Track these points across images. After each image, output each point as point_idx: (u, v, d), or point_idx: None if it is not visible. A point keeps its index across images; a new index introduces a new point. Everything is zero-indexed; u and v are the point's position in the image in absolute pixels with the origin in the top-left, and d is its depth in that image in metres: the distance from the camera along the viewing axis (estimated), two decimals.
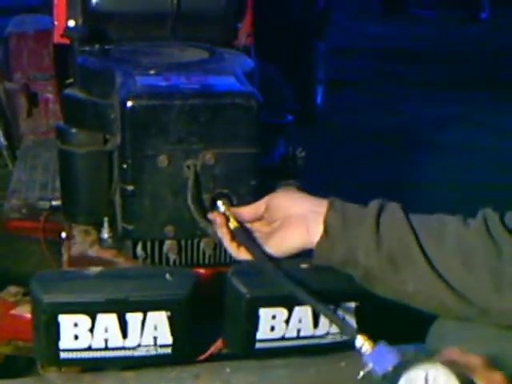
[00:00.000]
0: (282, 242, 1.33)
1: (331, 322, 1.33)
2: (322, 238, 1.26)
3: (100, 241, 1.73)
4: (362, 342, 1.12)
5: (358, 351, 1.12)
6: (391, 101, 5.31)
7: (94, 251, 1.70)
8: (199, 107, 1.50)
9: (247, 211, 1.42)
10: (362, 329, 1.46)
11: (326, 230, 1.25)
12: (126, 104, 1.48)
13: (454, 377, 0.98)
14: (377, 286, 1.26)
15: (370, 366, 1.08)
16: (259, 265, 1.32)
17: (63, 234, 1.85)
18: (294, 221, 1.31)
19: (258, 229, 1.40)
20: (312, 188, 1.73)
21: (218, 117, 1.51)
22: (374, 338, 1.14)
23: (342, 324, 1.26)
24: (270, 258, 1.32)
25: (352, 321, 1.44)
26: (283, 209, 1.34)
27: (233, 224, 1.38)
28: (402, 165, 3.97)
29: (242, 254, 1.35)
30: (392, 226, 1.22)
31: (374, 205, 1.26)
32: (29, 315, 1.51)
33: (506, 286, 1.13)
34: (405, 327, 1.55)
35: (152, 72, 1.62)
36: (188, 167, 1.52)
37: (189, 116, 1.49)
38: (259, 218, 1.40)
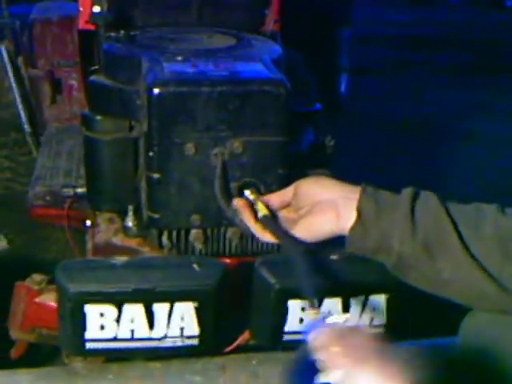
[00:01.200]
0: (311, 228, 1.28)
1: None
2: (355, 223, 1.22)
3: (125, 229, 1.71)
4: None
5: None
6: (416, 88, 5.24)
7: (118, 240, 1.69)
8: (227, 94, 1.47)
9: (274, 198, 1.39)
10: (392, 321, 1.45)
11: (359, 216, 1.20)
12: (152, 91, 1.46)
13: None
14: (410, 274, 1.22)
15: None
16: (286, 251, 1.27)
17: (88, 222, 1.84)
18: (324, 207, 1.26)
19: (284, 215, 1.36)
20: (339, 176, 1.70)
21: (246, 104, 1.48)
22: (403, 330, 1.11)
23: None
24: (299, 244, 1.28)
25: (382, 313, 1.42)
26: (312, 195, 1.29)
27: (261, 211, 1.34)
28: (427, 153, 3.91)
29: (268, 237, 1.31)
30: (427, 212, 1.18)
31: (407, 192, 1.21)
32: (53, 303, 1.51)
33: None
34: (437, 320, 1.52)
35: (179, 58, 1.59)
36: (215, 155, 1.50)
37: (216, 103, 1.47)
38: (286, 205, 1.37)
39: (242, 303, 1.43)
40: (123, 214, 1.73)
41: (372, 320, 1.43)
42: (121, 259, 1.35)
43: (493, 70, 5.90)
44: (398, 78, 5.53)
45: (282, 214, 1.36)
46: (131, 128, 1.65)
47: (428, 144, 4.08)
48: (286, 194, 1.35)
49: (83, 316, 1.29)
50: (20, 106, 2.69)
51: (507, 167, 3.75)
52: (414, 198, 1.20)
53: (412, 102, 4.93)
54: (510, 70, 5.87)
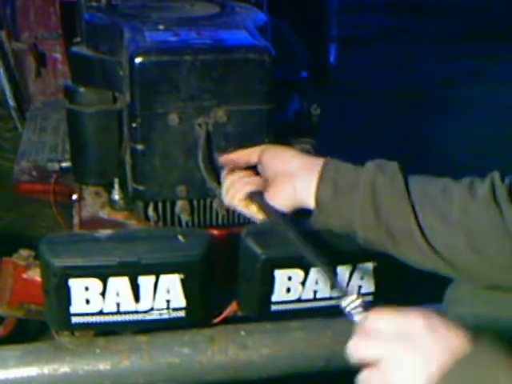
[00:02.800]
0: (273, 201, 1.28)
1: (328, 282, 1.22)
2: (315, 212, 1.21)
3: (111, 203, 1.69)
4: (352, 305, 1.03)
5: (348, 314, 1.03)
6: (406, 58, 5.20)
7: (105, 213, 1.67)
8: (210, 63, 1.44)
9: (238, 156, 1.38)
10: (381, 289, 1.44)
11: (317, 204, 1.20)
12: (134, 60, 1.43)
13: None
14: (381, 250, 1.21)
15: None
16: (272, 220, 1.27)
17: (74, 196, 1.82)
18: (282, 180, 1.26)
19: (256, 183, 1.35)
20: (325, 146, 1.69)
21: (230, 72, 1.45)
22: (392, 298, 1.09)
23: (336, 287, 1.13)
24: (285, 218, 1.28)
25: (370, 281, 1.41)
26: (273, 166, 1.30)
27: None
28: (417, 122, 3.89)
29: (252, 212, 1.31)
30: (389, 197, 1.14)
31: (368, 171, 1.17)
32: (40, 279, 1.49)
33: None
34: (425, 288, 1.51)
35: (161, 27, 1.56)
36: (199, 125, 1.47)
37: (200, 72, 1.44)
38: (251, 166, 1.37)
39: (228, 274, 1.42)
40: (109, 188, 1.71)
41: (360, 288, 1.42)
42: (105, 232, 1.33)
43: (484, 37, 5.85)
44: (386, 46, 5.49)
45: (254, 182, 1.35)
46: (115, 100, 1.63)
47: (418, 113, 4.06)
48: (251, 155, 1.36)
49: (68, 290, 1.28)
50: (4, 81, 2.65)
51: (501, 133, 3.73)
52: (376, 174, 1.16)
53: (401, 71, 4.90)
54: (502, 37, 5.81)
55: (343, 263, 1.37)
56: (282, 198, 1.26)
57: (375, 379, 0.86)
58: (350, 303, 1.01)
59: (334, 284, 1.13)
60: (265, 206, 1.29)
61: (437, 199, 1.13)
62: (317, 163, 1.22)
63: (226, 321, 1.44)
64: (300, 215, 1.27)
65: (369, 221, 1.15)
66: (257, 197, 1.29)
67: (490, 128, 3.87)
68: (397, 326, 0.87)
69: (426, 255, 1.12)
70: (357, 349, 0.89)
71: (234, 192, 1.33)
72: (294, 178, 1.24)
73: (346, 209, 1.17)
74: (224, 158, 1.43)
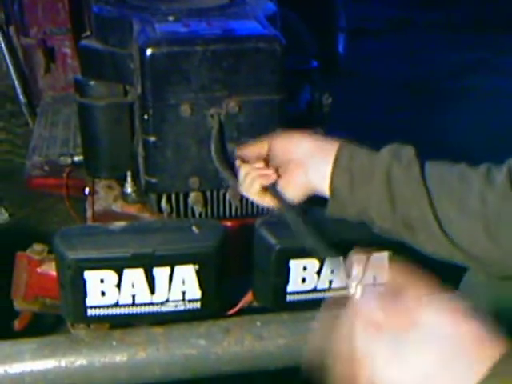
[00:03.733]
0: (286, 190, 1.25)
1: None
2: (330, 202, 1.18)
3: (124, 196, 1.69)
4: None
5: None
6: (413, 49, 5.17)
7: (118, 206, 1.67)
8: (221, 53, 1.44)
9: (250, 150, 1.37)
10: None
11: (333, 195, 1.17)
12: (145, 52, 1.43)
13: None
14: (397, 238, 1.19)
15: None
16: (285, 215, 1.25)
17: (86, 190, 1.82)
18: (293, 167, 1.23)
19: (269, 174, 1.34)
20: (336, 136, 1.67)
21: (241, 62, 1.45)
22: None
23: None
24: (299, 212, 1.26)
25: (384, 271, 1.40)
26: (284, 154, 1.26)
27: None
28: (425, 112, 3.87)
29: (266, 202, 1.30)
30: (406, 185, 1.11)
31: (384, 157, 1.14)
32: (55, 273, 1.49)
33: None
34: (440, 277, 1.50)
35: (171, 18, 1.55)
36: (211, 116, 1.47)
37: (211, 62, 1.43)
38: (262, 158, 1.33)
39: (243, 265, 1.41)
40: (122, 181, 1.71)
41: (375, 278, 1.41)
42: (119, 224, 1.33)
43: (493, 27, 5.81)
44: (394, 37, 5.46)
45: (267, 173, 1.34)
46: (125, 93, 1.62)
47: (427, 102, 4.04)
48: (262, 147, 1.32)
49: (83, 283, 1.28)
50: (14, 77, 2.65)
51: (506, 122, 3.71)
52: (391, 163, 1.13)
53: (410, 62, 4.87)
54: (509, 28, 5.78)
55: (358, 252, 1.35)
56: (295, 187, 1.23)
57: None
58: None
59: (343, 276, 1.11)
60: (278, 199, 1.28)
61: (454, 187, 1.10)
62: (327, 148, 1.20)
63: (241, 312, 1.44)
64: (314, 202, 1.26)
65: (385, 211, 1.13)
66: (271, 189, 1.28)
67: (498, 116, 3.86)
68: (405, 315, 0.82)
69: (443, 244, 1.11)
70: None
71: (249, 184, 1.31)
72: (305, 165, 1.21)
73: (361, 199, 1.15)
74: (235, 153, 1.41)
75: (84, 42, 1.69)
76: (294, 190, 1.24)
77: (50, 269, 1.60)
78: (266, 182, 1.28)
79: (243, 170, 1.34)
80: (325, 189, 1.19)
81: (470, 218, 1.07)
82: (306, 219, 1.22)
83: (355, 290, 0.94)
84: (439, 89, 4.33)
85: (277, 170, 1.31)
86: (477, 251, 1.08)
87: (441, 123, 3.75)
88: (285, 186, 1.26)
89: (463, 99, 4.15)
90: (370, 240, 1.31)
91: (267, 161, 1.36)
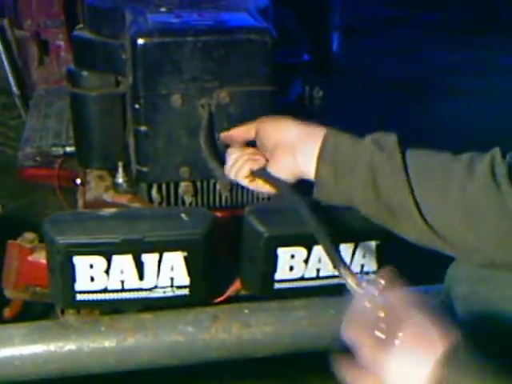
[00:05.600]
0: (275, 173, 1.27)
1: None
2: (316, 191, 1.22)
3: (115, 186, 1.70)
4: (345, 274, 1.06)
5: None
6: (408, 47, 5.19)
7: (109, 196, 1.68)
8: (212, 44, 1.45)
9: (237, 133, 1.39)
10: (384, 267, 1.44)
11: (318, 184, 1.20)
12: (136, 42, 1.44)
13: None
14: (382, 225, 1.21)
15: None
16: (280, 191, 1.27)
17: (78, 181, 1.83)
18: (280, 151, 1.26)
19: (257, 158, 1.35)
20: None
21: (232, 53, 1.46)
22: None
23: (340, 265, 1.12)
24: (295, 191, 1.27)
25: (373, 260, 1.42)
26: (270, 138, 1.29)
27: None
28: (418, 111, 3.89)
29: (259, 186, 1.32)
30: (388, 173, 1.14)
31: (367, 143, 1.17)
32: (45, 261, 1.50)
33: (510, 247, 1.07)
34: (427, 267, 1.52)
35: (163, 9, 1.57)
36: (202, 106, 1.48)
37: (202, 53, 1.45)
38: (251, 143, 1.37)
39: (232, 255, 1.43)
40: (113, 171, 1.72)
41: (363, 267, 1.43)
42: (109, 211, 1.35)
43: (486, 28, 5.83)
44: (389, 36, 5.48)
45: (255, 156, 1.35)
46: (118, 83, 1.63)
47: (421, 100, 4.06)
48: (249, 130, 1.35)
49: (72, 268, 1.29)
50: (7, 69, 2.66)
51: (498, 122, 3.72)
52: (374, 152, 1.15)
53: (402, 61, 4.89)
54: (504, 28, 5.80)
55: (346, 241, 1.37)
56: (284, 170, 1.25)
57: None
58: (351, 278, 1.02)
59: (336, 259, 1.13)
60: (270, 179, 1.28)
61: (435, 176, 1.13)
62: (314, 133, 1.22)
63: (229, 300, 1.45)
64: (302, 186, 1.27)
65: (369, 199, 1.16)
66: (260, 172, 1.30)
67: (490, 112, 3.88)
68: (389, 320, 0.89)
69: (424, 232, 1.13)
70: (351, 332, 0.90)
71: (238, 169, 1.33)
72: (293, 149, 1.23)
73: (346, 189, 1.18)
74: (222, 136, 1.44)
75: (77, 32, 1.70)
76: (282, 173, 1.26)
77: (41, 257, 1.61)
78: (256, 166, 1.30)
79: (233, 155, 1.36)
80: (311, 174, 1.21)
81: (450, 206, 1.09)
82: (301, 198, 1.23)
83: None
84: (433, 87, 4.35)
85: (264, 154, 1.32)
86: (456, 239, 1.10)
87: (434, 121, 3.77)
88: (273, 168, 1.27)
89: (457, 98, 4.17)
90: (358, 228, 1.35)
91: (254, 145, 1.38)
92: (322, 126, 1.23)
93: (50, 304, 1.64)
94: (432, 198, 1.12)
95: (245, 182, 1.33)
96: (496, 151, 1.12)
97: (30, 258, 1.61)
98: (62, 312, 1.60)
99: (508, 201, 1.06)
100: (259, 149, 1.33)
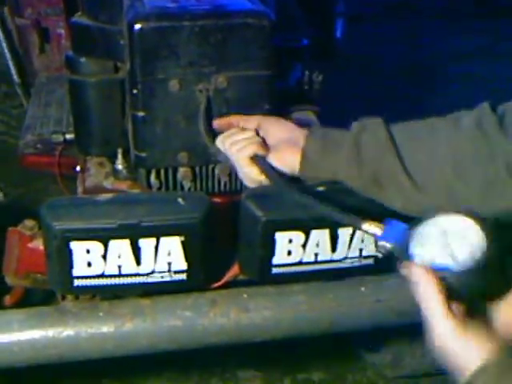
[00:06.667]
0: (276, 164, 1.31)
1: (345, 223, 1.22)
2: (301, 164, 1.25)
3: (115, 172, 1.70)
4: (369, 227, 1.09)
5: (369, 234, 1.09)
6: (412, 34, 5.17)
7: (109, 183, 1.68)
8: (210, 28, 1.44)
9: (235, 120, 1.42)
10: None
11: (304, 157, 1.25)
12: (133, 26, 1.43)
13: (471, 220, 0.95)
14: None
15: (383, 242, 1.05)
16: (278, 188, 1.28)
17: (78, 168, 1.83)
18: (285, 146, 1.30)
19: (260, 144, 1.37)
20: (329, 118, 1.69)
21: (230, 38, 1.45)
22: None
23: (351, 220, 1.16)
24: (289, 181, 1.29)
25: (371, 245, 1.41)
26: (275, 133, 1.34)
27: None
28: (420, 97, 3.88)
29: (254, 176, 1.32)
30: (373, 146, 1.19)
31: (354, 126, 1.23)
32: None
33: (496, 194, 1.09)
34: None
35: None
36: (200, 91, 1.48)
37: (199, 37, 1.44)
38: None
39: (230, 240, 1.42)
40: (113, 158, 1.72)
41: (361, 251, 1.42)
42: (105, 196, 1.34)
43: (493, 14, 5.79)
44: (394, 23, 5.45)
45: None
46: (116, 69, 1.63)
47: (425, 87, 4.05)
48: (249, 121, 1.40)
49: (70, 253, 1.29)
50: (8, 58, 2.66)
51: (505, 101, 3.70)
52: (360, 132, 1.21)
53: (408, 47, 4.87)
54: (506, 13, 5.76)
55: (343, 225, 1.37)
56: (284, 165, 1.29)
57: None
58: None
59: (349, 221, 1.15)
60: (269, 171, 1.30)
61: (423, 138, 1.17)
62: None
63: (227, 285, 1.45)
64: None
65: (353, 172, 1.20)
66: (262, 159, 1.31)
67: (492, 99, 3.85)
68: None
69: (411, 196, 1.15)
70: None
71: (241, 147, 1.34)
72: (297, 148, 1.27)
73: (332, 164, 1.22)
74: (218, 121, 1.44)
75: (75, 18, 1.69)
76: (283, 166, 1.28)
77: (41, 244, 1.61)
78: (260, 151, 1.31)
79: (241, 134, 1.37)
80: None
81: (439, 161, 1.13)
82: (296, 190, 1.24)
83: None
84: (437, 74, 4.33)
85: (265, 144, 1.34)
86: (445, 194, 1.13)
87: (435, 107, 3.75)
88: (276, 160, 1.30)
89: (461, 84, 4.15)
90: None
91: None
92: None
93: (51, 291, 1.65)
94: (420, 158, 1.15)
95: (241, 163, 1.33)
96: (484, 105, 1.16)
97: (30, 245, 1.61)
98: (63, 298, 1.61)
99: (495, 145, 1.09)
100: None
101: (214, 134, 1.47)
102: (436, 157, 1.13)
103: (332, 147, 1.22)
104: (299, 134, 1.29)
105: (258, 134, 1.38)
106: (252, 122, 1.40)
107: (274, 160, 1.30)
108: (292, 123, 1.37)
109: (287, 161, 1.29)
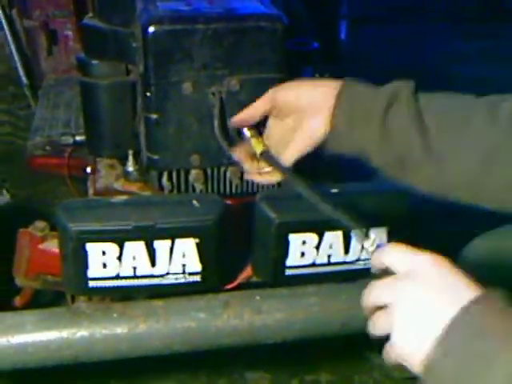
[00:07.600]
0: (309, 134, 1.23)
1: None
2: (329, 136, 1.21)
3: (125, 174, 1.70)
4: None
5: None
6: (416, 36, 5.19)
7: (119, 185, 1.68)
8: (223, 31, 1.45)
9: (247, 114, 1.36)
10: None
11: (332, 130, 1.20)
12: (147, 29, 1.44)
13: None
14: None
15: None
16: (290, 185, 1.26)
17: (88, 169, 1.83)
18: (311, 112, 1.22)
19: (272, 132, 1.33)
20: None
21: (243, 41, 1.46)
22: None
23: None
24: (302, 177, 1.26)
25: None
26: (295, 101, 1.26)
27: (259, 148, 1.33)
28: None
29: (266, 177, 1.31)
30: (401, 126, 1.13)
31: (382, 102, 1.16)
32: (56, 250, 1.51)
33: None
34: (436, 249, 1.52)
35: None
36: (213, 94, 1.48)
37: (212, 40, 1.45)
38: (265, 116, 1.34)
39: (243, 242, 1.43)
40: (123, 160, 1.72)
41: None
42: (121, 198, 1.35)
43: (496, 17, 5.80)
44: (397, 25, 5.46)
45: (271, 132, 1.34)
46: (128, 72, 1.63)
47: (429, 89, 4.04)
48: (259, 107, 1.33)
49: (85, 255, 1.29)
50: (16, 59, 2.66)
51: None
52: (389, 106, 1.15)
53: (412, 50, 4.87)
54: (509, 16, 5.78)
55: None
56: (308, 133, 1.23)
57: (382, 320, 0.87)
58: (373, 243, 1.04)
59: (354, 226, 1.12)
60: (278, 164, 1.26)
61: (453, 121, 1.13)
62: (337, 87, 1.22)
63: (240, 287, 1.46)
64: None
65: (380, 150, 1.17)
66: (271, 156, 1.28)
67: None
68: (408, 261, 0.89)
69: (435, 179, 1.14)
70: (369, 295, 0.90)
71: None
72: (320, 117, 1.21)
73: (359, 137, 1.18)
74: (233, 121, 1.42)
75: (86, 20, 1.70)
76: (307, 140, 1.24)
77: (52, 246, 1.62)
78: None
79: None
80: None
81: (466, 150, 1.10)
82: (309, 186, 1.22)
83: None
84: (441, 76, 4.33)
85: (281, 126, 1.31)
86: (471, 183, 1.10)
87: None
88: (298, 137, 1.24)
89: (465, 87, 4.14)
90: (366, 214, 1.34)
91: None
92: (338, 81, 1.23)
93: (60, 292, 1.65)
94: (447, 143, 1.12)
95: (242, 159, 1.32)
96: None
97: (40, 247, 1.62)
98: (73, 300, 1.61)
99: None
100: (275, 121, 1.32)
101: (228, 137, 1.48)
102: (464, 143, 1.10)
103: (360, 120, 1.17)
104: (321, 98, 1.22)
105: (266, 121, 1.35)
106: (262, 105, 1.33)
107: (297, 137, 1.24)
108: (309, 83, 1.30)
109: (311, 131, 1.22)
